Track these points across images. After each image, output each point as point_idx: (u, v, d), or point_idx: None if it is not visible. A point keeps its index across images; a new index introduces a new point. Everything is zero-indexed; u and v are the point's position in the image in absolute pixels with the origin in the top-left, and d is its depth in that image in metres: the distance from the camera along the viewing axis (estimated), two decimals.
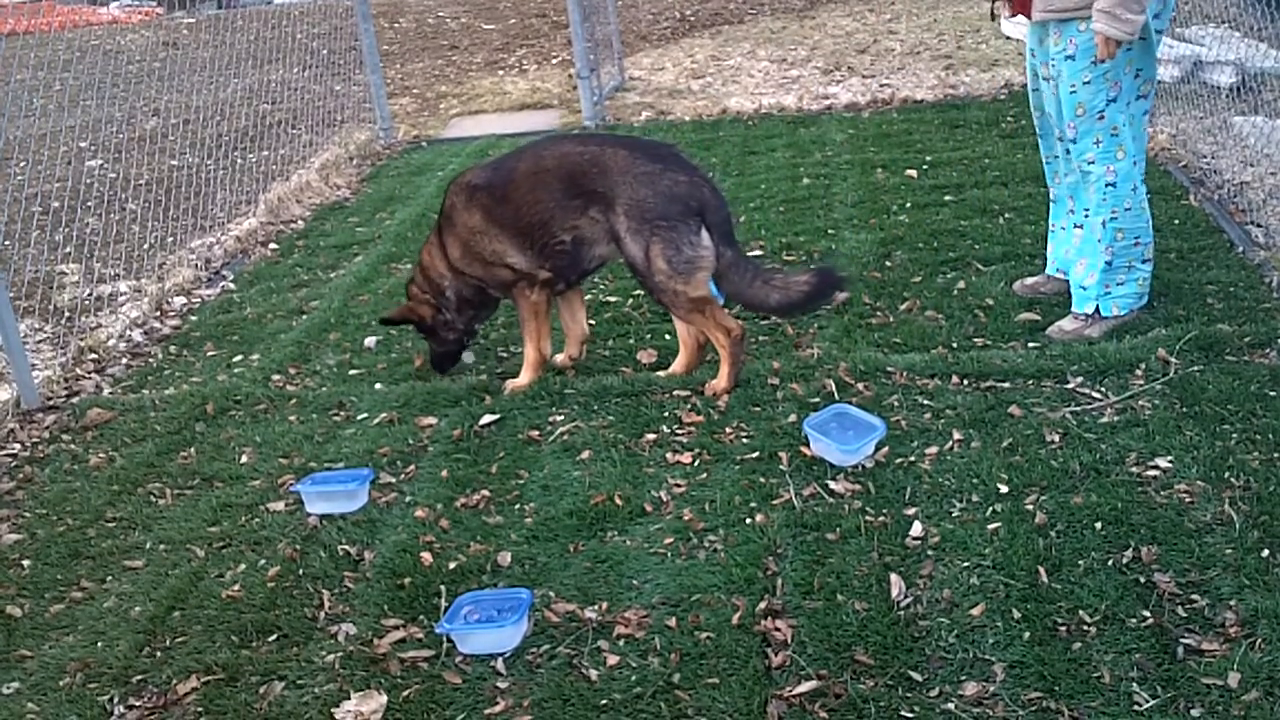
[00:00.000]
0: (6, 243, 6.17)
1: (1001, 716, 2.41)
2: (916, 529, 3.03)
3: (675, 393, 3.88)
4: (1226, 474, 3.10)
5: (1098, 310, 4.01)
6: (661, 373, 4.03)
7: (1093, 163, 3.88)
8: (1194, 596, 2.69)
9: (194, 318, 5.27)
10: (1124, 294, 4.00)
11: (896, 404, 3.66)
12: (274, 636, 2.94)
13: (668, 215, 3.71)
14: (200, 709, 2.71)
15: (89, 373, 4.73)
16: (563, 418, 3.83)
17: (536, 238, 3.90)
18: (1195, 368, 3.64)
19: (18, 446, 4.14)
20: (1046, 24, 3.87)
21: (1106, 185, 3.88)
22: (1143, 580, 2.75)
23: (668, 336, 4.33)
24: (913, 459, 3.36)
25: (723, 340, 3.82)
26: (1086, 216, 4.04)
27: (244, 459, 3.85)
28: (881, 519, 3.10)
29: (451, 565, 3.12)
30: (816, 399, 3.73)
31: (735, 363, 3.83)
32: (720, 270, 3.78)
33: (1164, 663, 2.50)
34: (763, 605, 2.81)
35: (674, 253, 3.71)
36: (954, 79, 8.02)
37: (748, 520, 3.16)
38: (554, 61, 10.48)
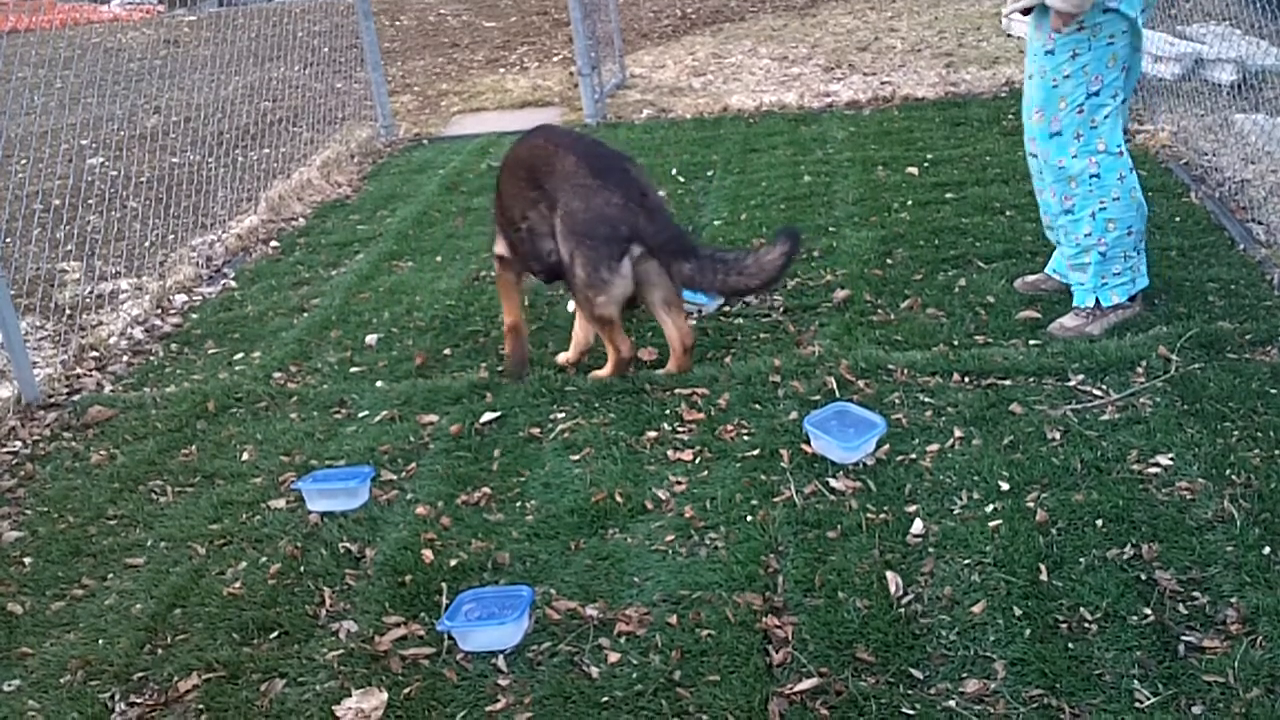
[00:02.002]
0: (8, 240, 6.18)
1: (1003, 714, 2.41)
2: (917, 526, 3.03)
3: (676, 390, 3.88)
4: (1227, 471, 3.10)
5: (1098, 303, 4.01)
6: (660, 370, 4.03)
7: (1075, 156, 3.90)
8: (1195, 594, 2.69)
9: (195, 315, 5.27)
10: (1120, 282, 4.01)
11: (897, 401, 3.66)
12: (275, 634, 2.94)
13: (592, 234, 3.79)
14: (201, 706, 2.71)
15: (90, 370, 4.73)
16: (564, 415, 3.83)
17: (506, 217, 4.10)
18: (1196, 365, 3.64)
19: (19, 444, 4.14)
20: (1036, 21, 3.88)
21: (1090, 177, 3.89)
22: (1144, 578, 2.75)
23: None
24: (914, 456, 3.36)
25: (611, 356, 3.99)
26: (1055, 219, 4.08)
27: (245, 456, 3.85)
28: (882, 516, 3.10)
29: (452, 562, 3.12)
30: (817, 396, 3.73)
31: (615, 372, 4.01)
32: (686, 281, 3.86)
33: (1165, 660, 2.50)
34: (764, 602, 2.81)
35: (591, 269, 3.81)
36: (955, 76, 8.01)
37: (749, 518, 3.16)
38: (555, 59, 10.48)
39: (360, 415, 4.03)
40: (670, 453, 3.53)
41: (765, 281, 3.84)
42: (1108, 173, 3.88)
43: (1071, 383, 3.66)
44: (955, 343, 4.02)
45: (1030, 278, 4.42)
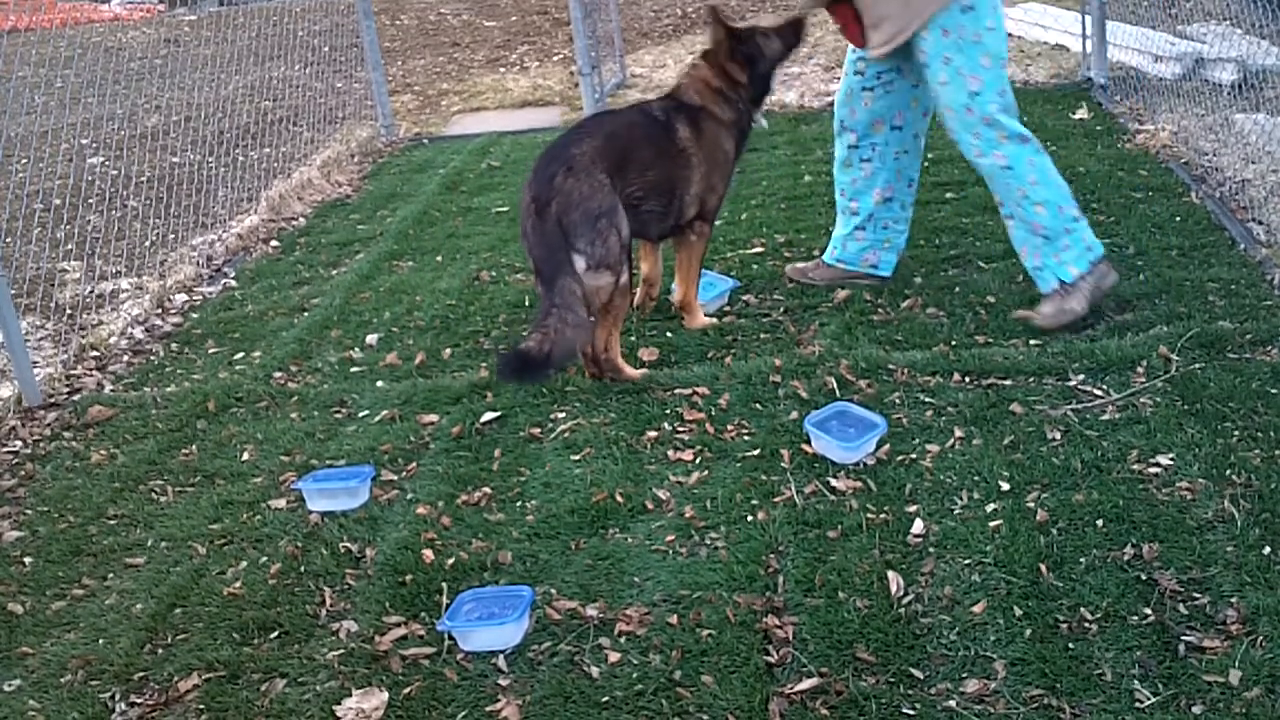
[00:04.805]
0: (8, 240, 6.17)
1: (1003, 714, 2.41)
2: (918, 526, 3.03)
3: (676, 390, 3.88)
4: (1228, 471, 3.10)
5: (1061, 282, 4.06)
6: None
7: (981, 156, 4.00)
8: (1195, 594, 2.69)
9: (195, 315, 5.27)
10: (1074, 257, 4.04)
11: (898, 401, 3.66)
12: (275, 634, 2.94)
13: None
14: (202, 706, 2.71)
15: (90, 370, 4.73)
16: (564, 415, 3.83)
17: None
18: (1197, 365, 3.64)
19: (19, 444, 4.14)
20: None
21: (1003, 169, 3.99)
22: (1144, 578, 2.75)
23: (669, 335, 4.33)
24: (914, 456, 3.36)
25: None
26: (1003, 207, 4.22)
27: (245, 456, 3.85)
28: (883, 516, 3.10)
29: (453, 562, 3.12)
30: (818, 396, 3.73)
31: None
32: (541, 300, 3.74)
33: (1165, 660, 2.50)
34: (764, 602, 2.81)
35: None
36: None
37: (749, 518, 3.16)
38: (555, 59, 10.48)
39: (360, 415, 4.03)
40: (671, 453, 3.53)
41: (537, 351, 3.57)
42: (1017, 162, 3.96)
43: (1072, 382, 3.66)
44: (955, 342, 4.02)
45: (799, 264, 4.72)
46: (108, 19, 13.71)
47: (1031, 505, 3.06)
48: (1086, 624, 2.63)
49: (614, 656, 2.70)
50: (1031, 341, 3.96)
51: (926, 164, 6.02)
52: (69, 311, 5.26)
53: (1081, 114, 6.59)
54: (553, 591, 2.96)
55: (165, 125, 8.55)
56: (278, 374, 4.45)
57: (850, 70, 4.32)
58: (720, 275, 4.72)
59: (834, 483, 3.27)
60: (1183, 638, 2.56)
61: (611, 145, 3.88)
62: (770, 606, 2.80)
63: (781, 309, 4.47)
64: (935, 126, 4.22)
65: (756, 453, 3.46)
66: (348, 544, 3.27)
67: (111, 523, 3.56)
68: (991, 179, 4.07)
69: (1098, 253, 4.07)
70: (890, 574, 2.85)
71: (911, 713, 2.44)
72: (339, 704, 2.65)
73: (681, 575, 2.96)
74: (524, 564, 3.10)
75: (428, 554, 3.15)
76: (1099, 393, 3.58)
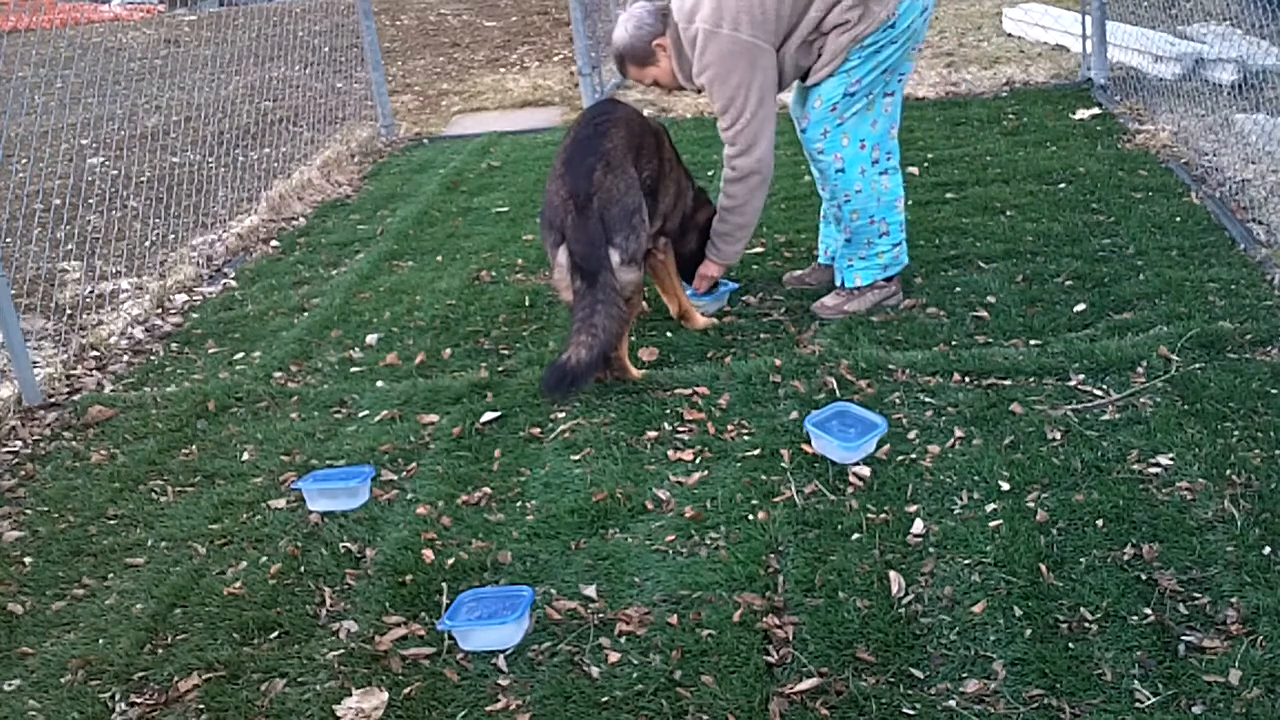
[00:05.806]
0: (8, 240, 6.18)
1: (1003, 714, 2.41)
2: (918, 526, 3.03)
3: (677, 390, 3.88)
4: (1228, 471, 3.10)
5: (843, 283, 4.33)
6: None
7: (822, 152, 4.19)
8: (1195, 594, 2.69)
9: (195, 315, 5.27)
10: (865, 267, 4.32)
11: (898, 401, 3.66)
12: (275, 634, 2.94)
13: (542, 217, 3.89)
14: (202, 706, 2.71)
15: (90, 370, 4.73)
16: (564, 415, 3.83)
17: None
18: (1197, 365, 3.64)
19: (19, 444, 4.14)
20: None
21: (836, 171, 4.19)
22: (1144, 578, 2.75)
23: (669, 334, 4.33)
24: (914, 456, 3.36)
25: None
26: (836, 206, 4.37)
27: (245, 456, 3.85)
28: (883, 516, 3.10)
29: (453, 562, 3.12)
30: (818, 396, 3.73)
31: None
32: (575, 296, 3.72)
33: (1165, 660, 2.50)
34: (764, 602, 2.81)
35: (545, 248, 3.90)
36: (955, 76, 8.01)
37: (749, 517, 3.16)
38: (555, 59, 10.48)
39: (360, 415, 4.03)
40: (671, 453, 3.53)
41: (587, 357, 3.61)
42: (851, 167, 4.17)
43: (1072, 382, 3.66)
44: (955, 343, 4.02)
45: (797, 272, 4.75)
46: (108, 19, 13.71)
47: (1031, 505, 3.06)
48: (1086, 624, 2.63)
49: (614, 656, 2.70)
50: (1031, 341, 3.97)
51: (926, 164, 6.04)
52: (69, 311, 5.26)
53: (1081, 114, 6.59)
54: (553, 591, 2.96)
55: (165, 125, 8.55)
56: (278, 374, 4.45)
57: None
58: None
59: (834, 483, 3.27)
60: (1183, 638, 2.56)
61: (630, 134, 3.89)
62: (770, 606, 2.80)
63: (782, 309, 4.47)
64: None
65: (756, 453, 3.46)
66: (348, 544, 3.27)
67: (111, 523, 3.56)
68: (823, 174, 4.28)
69: (892, 271, 4.33)
70: (890, 574, 2.85)
71: (911, 713, 2.44)
72: (339, 704, 2.65)
73: (681, 575, 2.96)
74: (524, 564, 3.10)
75: (428, 554, 3.15)
76: (1099, 393, 3.58)
